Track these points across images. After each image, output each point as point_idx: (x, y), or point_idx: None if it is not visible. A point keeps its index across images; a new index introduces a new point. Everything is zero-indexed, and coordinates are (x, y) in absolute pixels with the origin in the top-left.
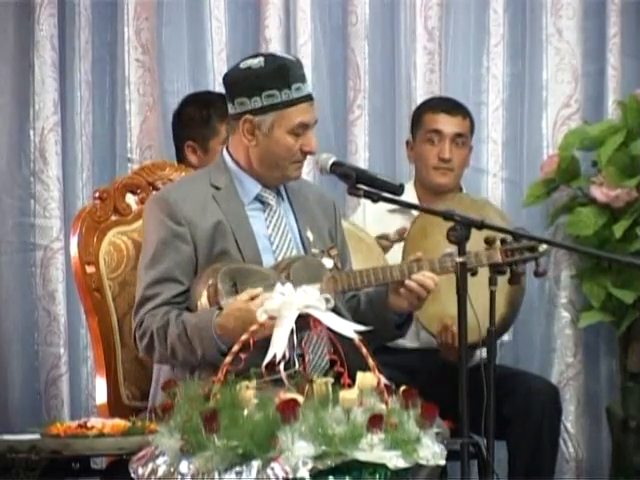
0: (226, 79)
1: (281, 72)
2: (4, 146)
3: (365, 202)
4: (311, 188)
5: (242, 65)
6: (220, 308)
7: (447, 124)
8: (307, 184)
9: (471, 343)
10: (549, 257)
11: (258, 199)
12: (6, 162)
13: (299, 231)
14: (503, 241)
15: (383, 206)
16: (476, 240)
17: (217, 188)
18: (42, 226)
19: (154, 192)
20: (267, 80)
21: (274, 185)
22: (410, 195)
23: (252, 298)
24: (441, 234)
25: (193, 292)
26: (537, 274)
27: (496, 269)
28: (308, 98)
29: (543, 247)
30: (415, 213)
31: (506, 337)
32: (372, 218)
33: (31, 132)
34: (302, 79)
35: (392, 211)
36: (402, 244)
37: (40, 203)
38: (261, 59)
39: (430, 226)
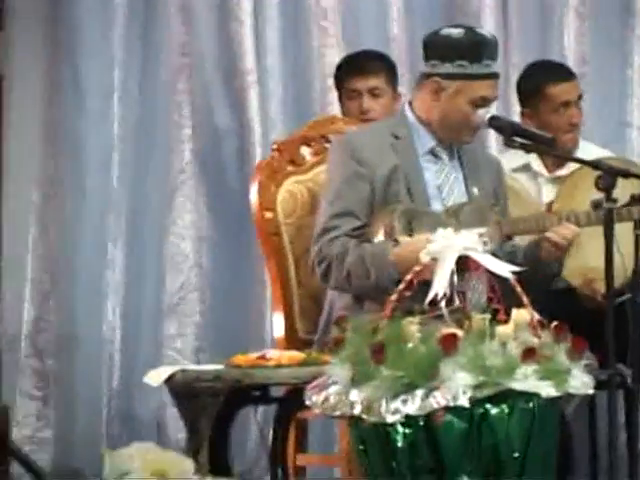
0: (425, 40)
1: (476, 46)
2: None
3: None
4: (480, 149)
5: (443, 32)
6: (396, 241)
7: (572, 91)
8: (476, 146)
9: (617, 289)
10: None
11: (432, 152)
12: None
13: (466, 186)
14: None
15: (508, 166)
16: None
17: (396, 137)
18: None
19: (338, 137)
20: (461, 51)
21: (448, 143)
22: (535, 160)
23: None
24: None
25: (370, 230)
26: None
27: None
28: (494, 76)
29: None
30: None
31: None
32: None
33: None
34: (493, 57)
35: (515, 170)
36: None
37: None
38: (461, 30)
39: (576, 190)
